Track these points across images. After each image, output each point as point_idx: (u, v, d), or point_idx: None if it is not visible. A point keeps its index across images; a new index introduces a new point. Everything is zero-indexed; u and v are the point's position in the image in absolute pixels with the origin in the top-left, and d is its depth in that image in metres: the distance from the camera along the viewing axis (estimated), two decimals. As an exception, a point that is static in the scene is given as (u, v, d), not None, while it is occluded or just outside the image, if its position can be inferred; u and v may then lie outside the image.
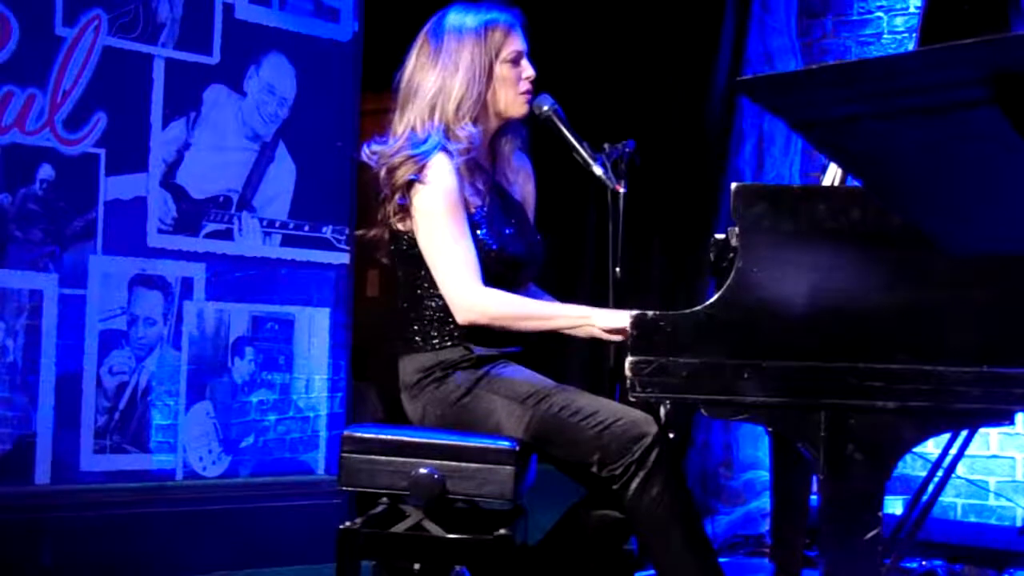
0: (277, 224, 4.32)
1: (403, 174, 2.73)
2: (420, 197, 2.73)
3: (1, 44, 3.76)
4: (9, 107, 3.77)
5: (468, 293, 2.71)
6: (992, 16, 1.97)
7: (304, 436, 4.37)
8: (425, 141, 2.76)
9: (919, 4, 4.71)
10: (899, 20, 4.92)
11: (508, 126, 2.94)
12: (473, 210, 2.80)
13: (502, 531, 2.57)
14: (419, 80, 2.84)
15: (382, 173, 2.78)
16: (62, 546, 3.75)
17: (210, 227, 4.17)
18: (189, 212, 4.12)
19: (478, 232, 2.78)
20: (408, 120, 2.82)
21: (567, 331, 2.72)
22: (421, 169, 2.73)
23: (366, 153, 2.85)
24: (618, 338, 2.62)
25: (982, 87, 0.95)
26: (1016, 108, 0.96)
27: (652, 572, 2.65)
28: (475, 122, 2.82)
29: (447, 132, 2.79)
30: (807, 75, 1.06)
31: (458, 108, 2.80)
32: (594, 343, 2.73)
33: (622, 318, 2.56)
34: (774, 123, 5.00)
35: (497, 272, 2.78)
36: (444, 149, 2.76)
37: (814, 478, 2.62)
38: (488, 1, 2.90)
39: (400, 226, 2.78)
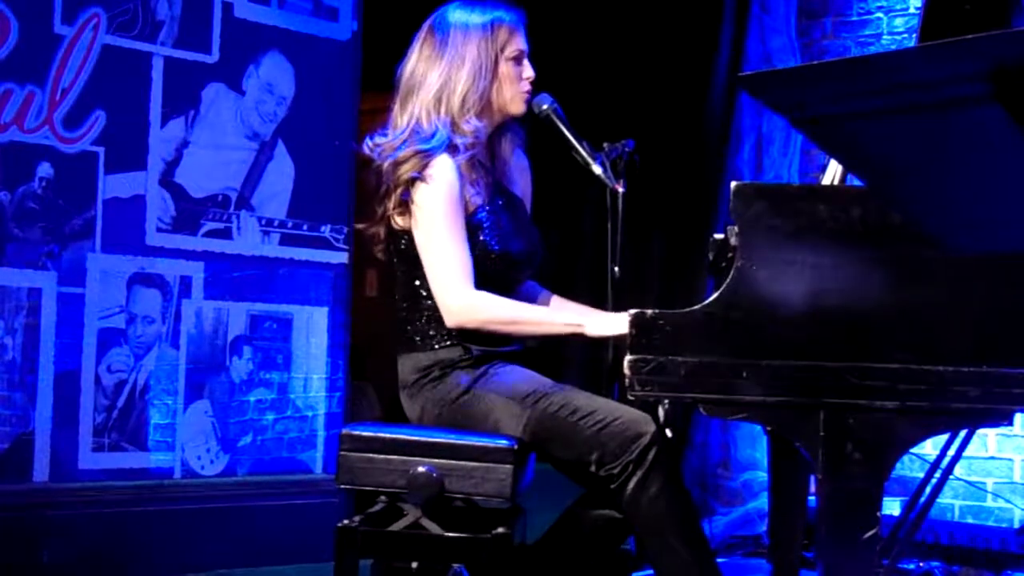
0: (276, 223, 4.32)
1: (408, 170, 2.73)
2: (421, 195, 2.73)
3: (0, 42, 3.75)
4: (8, 105, 3.76)
5: (458, 297, 2.71)
6: (993, 15, 1.97)
7: (302, 435, 4.37)
8: (432, 136, 2.75)
9: (919, 4, 4.71)
10: (899, 21, 4.92)
11: (506, 126, 2.94)
12: (474, 209, 2.79)
13: (500, 530, 2.56)
14: (423, 73, 2.83)
15: (385, 165, 2.77)
16: (60, 544, 3.75)
17: (209, 226, 4.17)
18: (188, 211, 4.12)
19: (480, 234, 2.77)
20: (412, 112, 2.81)
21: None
22: (425, 167, 2.72)
23: (368, 146, 2.84)
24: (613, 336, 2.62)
25: (983, 83, 0.95)
26: (1017, 104, 0.96)
27: (650, 572, 2.65)
28: (478, 117, 2.82)
29: (453, 126, 2.78)
30: (808, 71, 1.06)
31: (463, 101, 2.79)
32: (593, 342, 2.73)
33: (615, 324, 2.57)
34: (773, 123, 5.01)
35: (498, 272, 2.78)
36: (449, 146, 2.76)
37: (812, 478, 2.63)
38: None
39: (400, 222, 2.77)
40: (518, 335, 2.79)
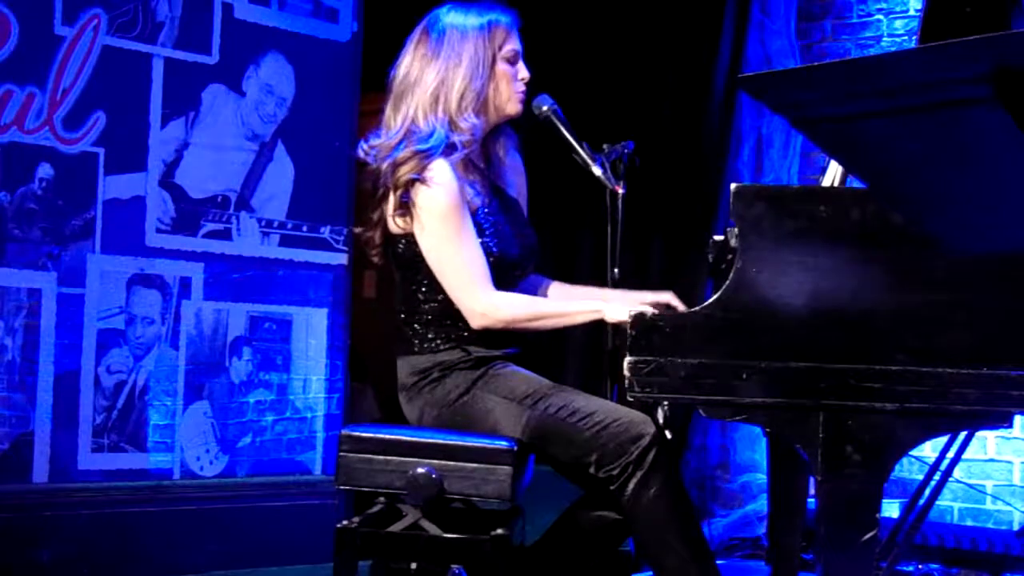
0: (275, 224, 4.32)
1: (407, 171, 2.70)
2: (423, 197, 2.71)
3: (0, 43, 3.75)
4: (8, 106, 3.76)
5: (480, 299, 2.70)
6: (993, 17, 1.97)
7: (301, 436, 4.37)
8: (431, 135, 2.74)
9: (919, 6, 4.71)
10: (899, 23, 4.92)
11: (500, 129, 2.94)
12: (475, 210, 2.78)
13: (499, 531, 2.57)
14: (419, 73, 2.81)
15: (383, 167, 2.75)
16: (60, 545, 3.74)
17: (208, 227, 4.17)
18: (187, 212, 4.12)
19: (480, 236, 2.76)
20: (406, 113, 2.80)
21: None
22: (424, 169, 2.71)
23: (363, 149, 2.83)
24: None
25: (984, 84, 0.95)
26: (1017, 105, 0.96)
27: (649, 573, 2.65)
28: (475, 115, 2.81)
29: (451, 124, 2.77)
30: (809, 72, 1.06)
31: (461, 99, 2.78)
32: (592, 340, 2.73)
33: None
34: (772, 126, 5.01)
35: (497, 274, 2.77)
36: (447, 147, 2.74)
37: (811, 480, 2.63)
38: (486, 1, 2.91)
39: (400, 223, 2.75)
40: (542, 330, 2.78)
